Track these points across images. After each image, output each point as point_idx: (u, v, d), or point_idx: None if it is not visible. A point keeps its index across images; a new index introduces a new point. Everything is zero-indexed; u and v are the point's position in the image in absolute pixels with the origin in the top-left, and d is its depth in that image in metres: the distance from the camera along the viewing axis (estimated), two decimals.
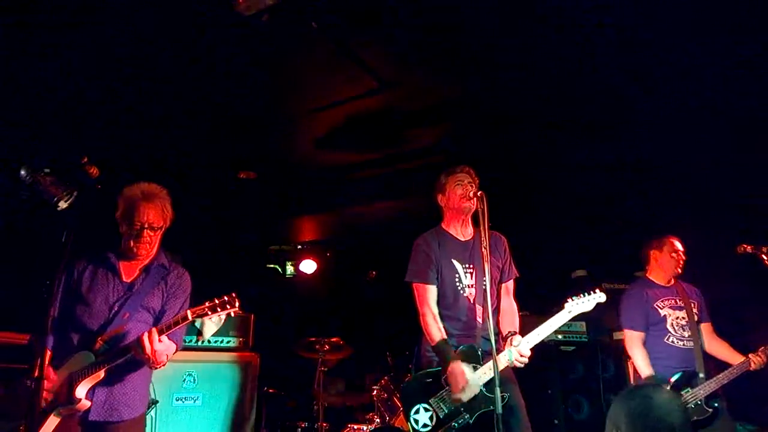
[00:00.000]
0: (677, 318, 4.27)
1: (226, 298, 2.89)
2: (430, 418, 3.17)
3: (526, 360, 3.21)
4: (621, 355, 5.64)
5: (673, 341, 4.21)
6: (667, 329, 4.24)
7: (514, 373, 3.36)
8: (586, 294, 3.41)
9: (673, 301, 4.34)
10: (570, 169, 5.56)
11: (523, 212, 6.46)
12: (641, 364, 4.20)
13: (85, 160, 2.44)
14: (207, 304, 2.89)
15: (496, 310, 3.55)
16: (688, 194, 5.86)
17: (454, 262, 3.53)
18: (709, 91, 4.15)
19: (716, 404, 3.99)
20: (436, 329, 3.34)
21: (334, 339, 5.67)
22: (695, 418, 3.97)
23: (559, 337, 5.69)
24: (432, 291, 3.47)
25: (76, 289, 3.02)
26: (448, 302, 3.47)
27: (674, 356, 4.17)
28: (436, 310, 3.42)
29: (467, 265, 3.54)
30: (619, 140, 4.99)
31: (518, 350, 3.19)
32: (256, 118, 4.67)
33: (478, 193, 3.20)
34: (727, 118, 4.53)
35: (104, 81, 4.04)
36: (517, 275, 3.70)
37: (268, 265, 8.11)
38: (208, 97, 4.32)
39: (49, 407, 2.75)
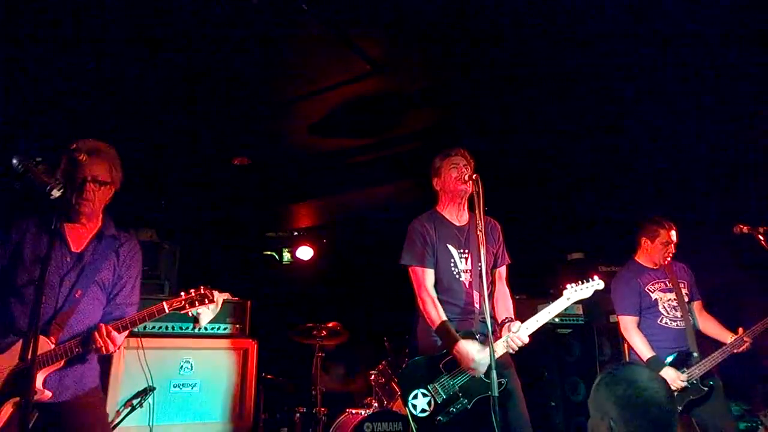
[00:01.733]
0: (668, 300, 4.30)
1: (203, 291, 2.84)
2: (428, 403, 3.17)
3: (521, 344, 3.22)
4: (617, 337, 5.67)
5: (666, 323, 4.25)
6: (659, 311, 4.28)
7: (510, 356, 3.36)
8: (584, 281, 3.42)
9: (662, 283, 4.36)
10: (566, 151, 5.55)
11: (520, 194, 6.45)
12: (641, 347, 4.22)
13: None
14: (183, 296, 2.83)
15: (491, 296, 3.55)
16: (684, 176, 5.87)
17: (450, 246, 3.52)
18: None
19: (711, 383, 4.03)
20: (436, 312, 3.33)
21: (331, 324, 5.67)
22: (691, 397, 4.02)
23: (556, 320, 5.71)
24: (430, 274, 3.46)
25: (16, 256, 2.75)
26: (444, 287, 3.46)
27: (668, 337, 4.21)
28: (434, 294, 3.41)
29: (462, 251, 3.53)
30: (616, 123, 4.99)
31: (517, 336, 3.21)
32: (249, 103, 4.64)
33: (473, 176, 3.20)
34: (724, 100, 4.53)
35: (94, 67, 4.00)
36: (510, 262, 3.70)
37: (264, 252, 8.11)
38: (200, 82, 4.27)
39: (5, 395, 2.58)
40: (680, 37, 3.73)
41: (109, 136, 3.02)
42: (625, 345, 5.52)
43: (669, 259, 4.38)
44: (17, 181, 2.47)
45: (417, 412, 3.16)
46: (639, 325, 4.31)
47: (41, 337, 2.64)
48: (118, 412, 4.17)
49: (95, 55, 3.84)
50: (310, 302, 7.26)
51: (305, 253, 7.80)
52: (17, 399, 2.59)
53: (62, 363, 2.70)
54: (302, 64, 4.10)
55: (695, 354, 4.09)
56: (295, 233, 8.03)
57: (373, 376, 5.37)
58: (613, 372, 2.03)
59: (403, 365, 3.49)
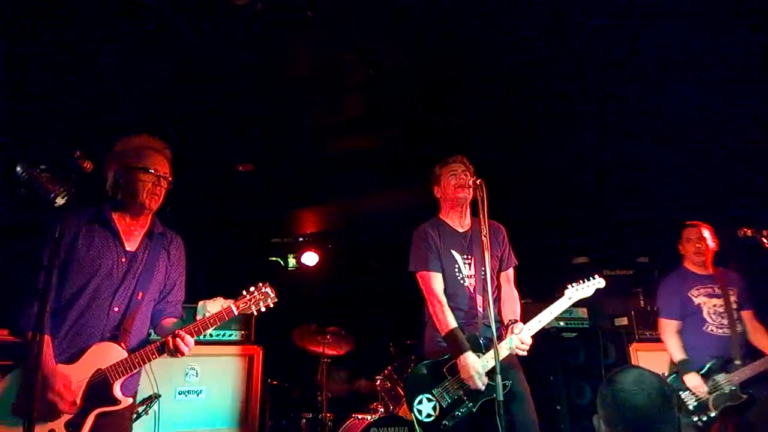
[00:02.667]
0: (714, 306, 4.23)
1: (263, 289, 2.85)
2: (434, 408, 3.18)
3: (527, 347, 3.24)
4: (622, 341, 5.66)
5: (712, 330, 4.18)
6: (704, 318, 4.21)
7: (518, 359, 3.36)
8: (585, 280, 3.47)
9: (709, 289, 4.29)
10: (572, 155, 5.54)
11: (524, 199, 6.44)
12: (673, 350, 4.22)
13: (78, 154, 2.41)
14: (247, 296, 2.82)
15: (497, 299, 3.56)
16: (690, 181, 5.85)
17: (453, 252, 3.53)
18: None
19: (751, 391, 3.95)
20: (447, 318, 3.33)
21: (336, 330, 5.68)
22: (728, 403, 3.93)
23: (561, 323, 5.69)
24: (438, 278, 3.47)
25: (71, 258, 2.64)
26: (449, 292, 3.46)
27: (712, 345, 4.13)
28: (444, 299, 3.41)
29: (466, 256, 3.54)
30: (621, 126, 4.98)
31: (519, 338, 3.22)
32: (253, 108, 4.65)
33: (477, 181, 3.21)
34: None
35: (98, 76, 4.02)
36: (516, 263, 3.71)
37: (269, 258, 8.11)
38: (204, 88, 4.29)
39: (86, 407, 2.52)
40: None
41: (113, 141, 3.02)
42: (631, 348, 5.52)
43: (704, 256, 4.33)
44: (22, 187, 2.48)
45: (422, 417, 3.16)
46: (683, 331, 4.26)
47: (114, 345, 2.64)
48: None
49: (97, 61, 3.87)
50: (315, 308, 7.26)
51: (311, 258, 7.80)
52: (101, 409, 2.56)
53: (137, 369, 2.67)
54: (307, 68, 4.11)
55: (737, 361, 4.02)
56: (301, 239, 8.04)
57: (378, 381, 5.37)
58: (611, 376, 2.04)
59: (409, 371, 3.49)
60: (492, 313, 3.01)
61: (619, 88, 4.35)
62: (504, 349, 3.19)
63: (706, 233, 4.39)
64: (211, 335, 4.96)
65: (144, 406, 4.29)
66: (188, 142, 5.15)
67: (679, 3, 3.37)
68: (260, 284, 2.88)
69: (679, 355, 4.16)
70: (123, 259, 2.76)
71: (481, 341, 3.30)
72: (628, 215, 6.53)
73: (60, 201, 2.46)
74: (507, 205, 5.10)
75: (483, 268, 3.32)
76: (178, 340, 2.64)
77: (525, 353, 3.25)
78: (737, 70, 4.04)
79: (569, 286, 3.44)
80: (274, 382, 5.78)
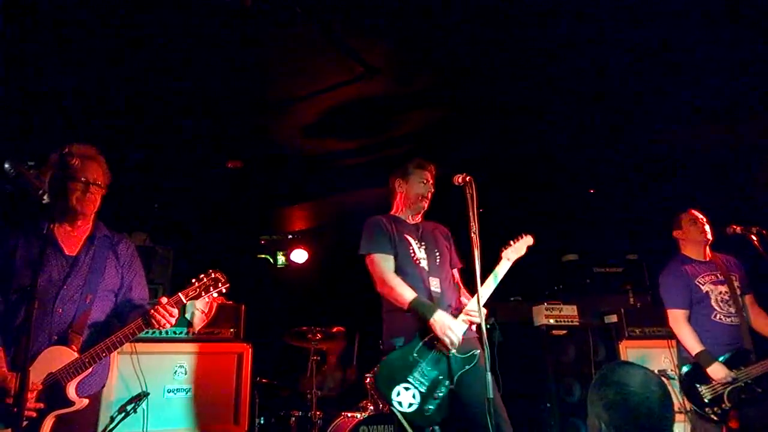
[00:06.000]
0: (720, 293, 4.10)
1: (213, 275, 2.83)
2: (413, 395, 3.15)
3: (476, 316, 3.26)
4: (612, 338, 5.68)
5: (721, 319, 4.05)
6: (712, 306, 4.07)
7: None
8: (515, 240, 3.64)
9: (713, 275, 4.17)
10: (561, 152, 5.56)
11: (514, 196, 6.45)
12: (690, 341, 4.03)
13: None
14: (196, 283, 2.82)
15: (456, 286, 3.68)
16: (679, 178, 5.88)
17: (407, 237, 3.59)
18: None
19: (765, 384, 3.86)
20: (406, 291, 3.33)
21: (326, 328, 5.65)
22: (743, 396, 3.85)
23: (551, 321, 5.71)
24: (390, 261, 3.49)
25: (11, 271, 2.71)
26: (404, 271, 3.47)
27: (723, 334, 4.02)
28: (396, 276, 3.42)
29: (419, 242, 3.60)
30: (612, 123, 5.00)
31: (467, 311, 3.32)
32: (242, 106, 4.62)
33: (467, 178, 3.22)
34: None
35: (86, 73, 3.99)
36: (460, 266, 3.78)
37: (258, 256, 8.07)
38: (192, 85, 4.26)
39: (40, 412, 2.55)
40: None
41: (101, 139, 3.01)
42: (621, 345, 5.54)
43: (709, 236, 4.22)
44: (9, 184, 2.45)
45: (404, 409, 3.11)
46: (690, 321, 4.11)
47: (63, 348, 2.67)
48: (111, 418, 4.14)
49: (86, 58, 3.83)
50: (304, 305, 7.24)
51: (300, 256, 7.78)
52: (58, 412, 2.59)
53: (91, 370, 2.69)
54: (296, 66, 4.09)
55: (752, 355, 3.92)
56: (290, 236, 8.01)
57: (368, 379, 5.35)
58: (607, 373, 2.02)
59: (376, 369, 3.45)
60: (480, 292, 3.07)
61: (612, 84, 4.37)
62: (460, 323, 3.26)
63: (698, 213, 4.31)
64: (199, 333, 4.93)
65: (132, 405, 4.27)
66: (177, 138, 5.13)
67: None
68: (210, 271, 2.87)
69: (697, 346, 3.98)
70: (63, 263, 2.81)
71: None
72: (617, 213, 6.57)
73: (47, 198, 2.44)
74: (496, 200, 5.10)
75: (435, 251, 3.54)
76: (157, 312, 2.70)
77: (477, 319, 3.24)
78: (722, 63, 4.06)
79: (504, 249, 3.59)
80: (264, 380, 5.75)
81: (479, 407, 2.94)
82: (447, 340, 3.17)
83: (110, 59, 3.87)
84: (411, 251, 3.54)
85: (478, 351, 3.26)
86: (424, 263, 3.52)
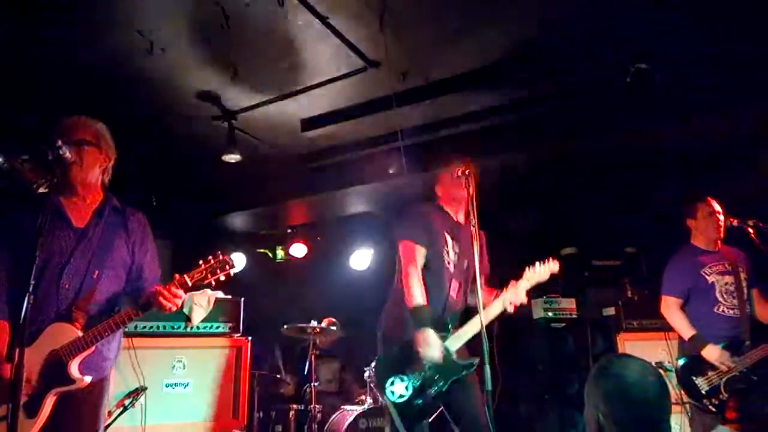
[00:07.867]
0: (725, 284, 4.09)
1: (221, 257, 2.73)
2: (406, 387, 3.18)
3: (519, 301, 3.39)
4: (610, 330, 5.69)
5: (723, 310, 4.05)
6: (716, 297, 4.07)
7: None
8: (541, 263, 3.58)
9: (721, 266, 4.15)
10: (560, 145, 5.54)
11: (512, 189, 6.44)
12: (681, 326, 4.08)
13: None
14: (203, 265, 2.72)
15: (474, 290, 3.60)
16: (678, 170, 5.86)
17: (446, 233, 3.54)
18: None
19: (761, 372, 3.86)
20: (419, 291, 3.31)
21: (325, 322, 5.66)
22: (739, 386, 3.86)
23: (549, 314, 5.72)
24: (422, 252, 3.45)
25: (21, 244, 2.55)
26: (430, 267, 3.45)
27: (722, 326, 4.02)
28: (420, 274, 3.38)
29: (455, 242, 3.55)
30: (610, 119, 4.99)
31: (508, 299, 3.37)
32: (241, 98, 4.61)
33: (466, 171, 3.20)
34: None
35: (79, 66, 3.97)
36: (488, 276, 3.72)
37: (257, 250, 8.07)
38: (190, 77, 4.25)
39: (41, 389, 2.50)
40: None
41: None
42: (619, 338, 5.55)
43: (722, 231, 4.18)
44: (3, 178, 2.46)
45: (395, 399, 3.17)
46: (690, 310, 4.13)
47: (67, 325, 2.58)
48: (109, 413, 4.14)
49: (77, 51, 3.81)
50: (304, 300, 7.24)
51: (299, 250, 7.77)
52: (58, 389, 2.52)
53: (93, 348, 2.61)
54: (295, 58, 4.08)
55: (747, 342, 3.93)
56: (289, 230, 7.99)
57: (367, 373, 5.37)
58: (605, 365, 2.02)
59: (376, 358, 3.48)
60: (480, 298, 2.98)
61: (609, 82, 4.36)
62: (497, 306, 3.33)
63: (719, 207, 4.25)
64: (198, 327, 4.93)
65: (131, 399, 4.28)
66: (174, 131, 5.12)
67: None
68: (218, 252, 2.77)
69: (689, 330, 4.02)
70: (70, 234, 2.70)
71: (448, 320, 3.35)
72: (615, 206, 6.55)
73: (42, 190, 2.44)
74: (494, 194, 5.09)
75: (467, 257, 3.46)
76: (161, 294, 2.61)
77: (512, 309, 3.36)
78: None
79: (528, 269, 3.54)
80: (263, 373, 5.76)
81: (466, 417, 3.15)
82: (422, 353, 3.17)
83: (104, 57, 3.85)
84: (445, 250, 3.50)
85: (477, 360, 3.23)
86: (451, 265, 3.50)
